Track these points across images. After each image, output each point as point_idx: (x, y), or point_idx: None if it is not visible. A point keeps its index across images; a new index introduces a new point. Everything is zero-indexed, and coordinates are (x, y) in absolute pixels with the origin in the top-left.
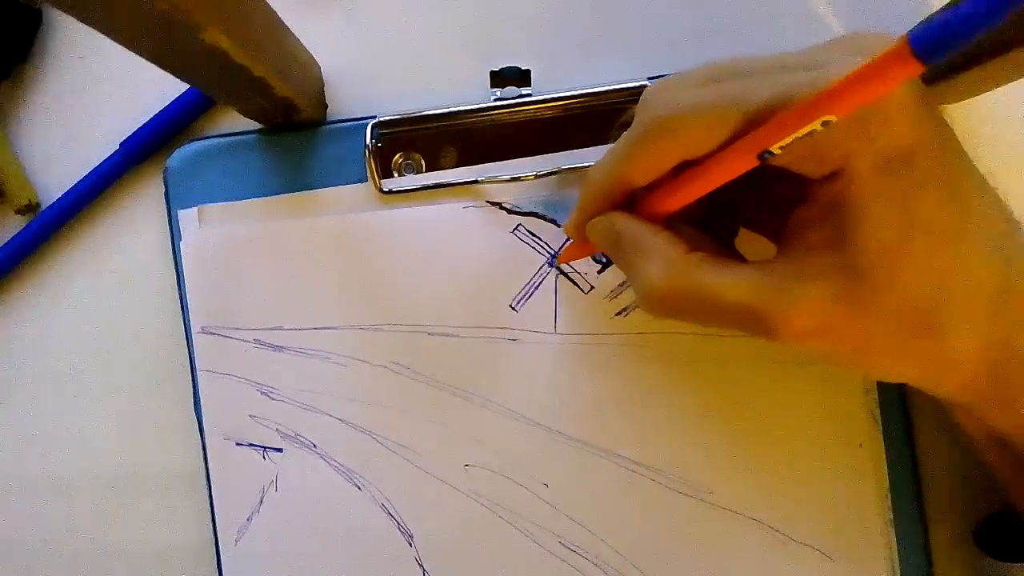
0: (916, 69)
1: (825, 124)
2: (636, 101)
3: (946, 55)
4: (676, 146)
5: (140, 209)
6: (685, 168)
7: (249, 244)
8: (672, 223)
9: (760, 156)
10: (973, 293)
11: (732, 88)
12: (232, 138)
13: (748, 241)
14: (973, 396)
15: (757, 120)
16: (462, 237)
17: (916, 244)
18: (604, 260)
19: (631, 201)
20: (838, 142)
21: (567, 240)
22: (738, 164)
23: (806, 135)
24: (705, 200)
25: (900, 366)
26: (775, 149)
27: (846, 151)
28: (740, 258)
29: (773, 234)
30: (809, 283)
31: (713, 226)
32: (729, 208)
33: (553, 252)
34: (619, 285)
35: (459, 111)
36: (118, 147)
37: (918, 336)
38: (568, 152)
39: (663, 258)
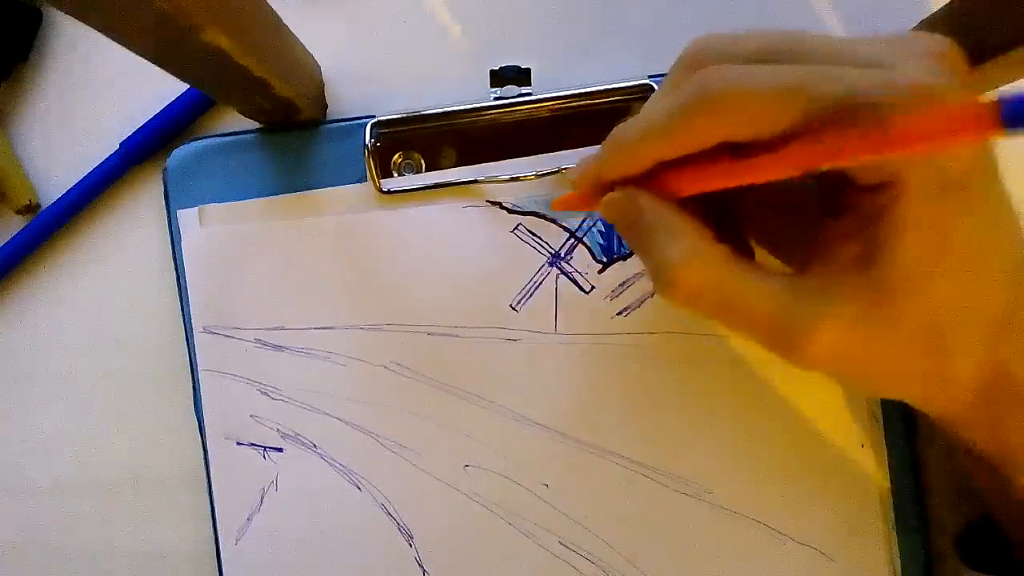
0: (994, 134)
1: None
2: (637, 100)
3: None
4: (727, 125)
5: (140, 209)
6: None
7: (249, 244)
8: (681, 207)
9: (805, 169)
10: (979, 319)
11: (797, 75)
12: (232, 138)
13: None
14: (960, 416)
15: (817, 116)
16: (462, 237)
17: (946, 268)
18: (604, 260)
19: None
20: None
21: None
22: (780, 170)
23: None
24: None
25: (903, 386)
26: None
27: (904, 164)
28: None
29: (769, 240)
30: (832, 308)
31: (710, 219)
32: (728, 205)
33: (554, 252)
34: (620, 285)
35: (459, 110)
36: (118, 147)
37: (925, 359)
38: (569, 151)
39: (689, 242)
